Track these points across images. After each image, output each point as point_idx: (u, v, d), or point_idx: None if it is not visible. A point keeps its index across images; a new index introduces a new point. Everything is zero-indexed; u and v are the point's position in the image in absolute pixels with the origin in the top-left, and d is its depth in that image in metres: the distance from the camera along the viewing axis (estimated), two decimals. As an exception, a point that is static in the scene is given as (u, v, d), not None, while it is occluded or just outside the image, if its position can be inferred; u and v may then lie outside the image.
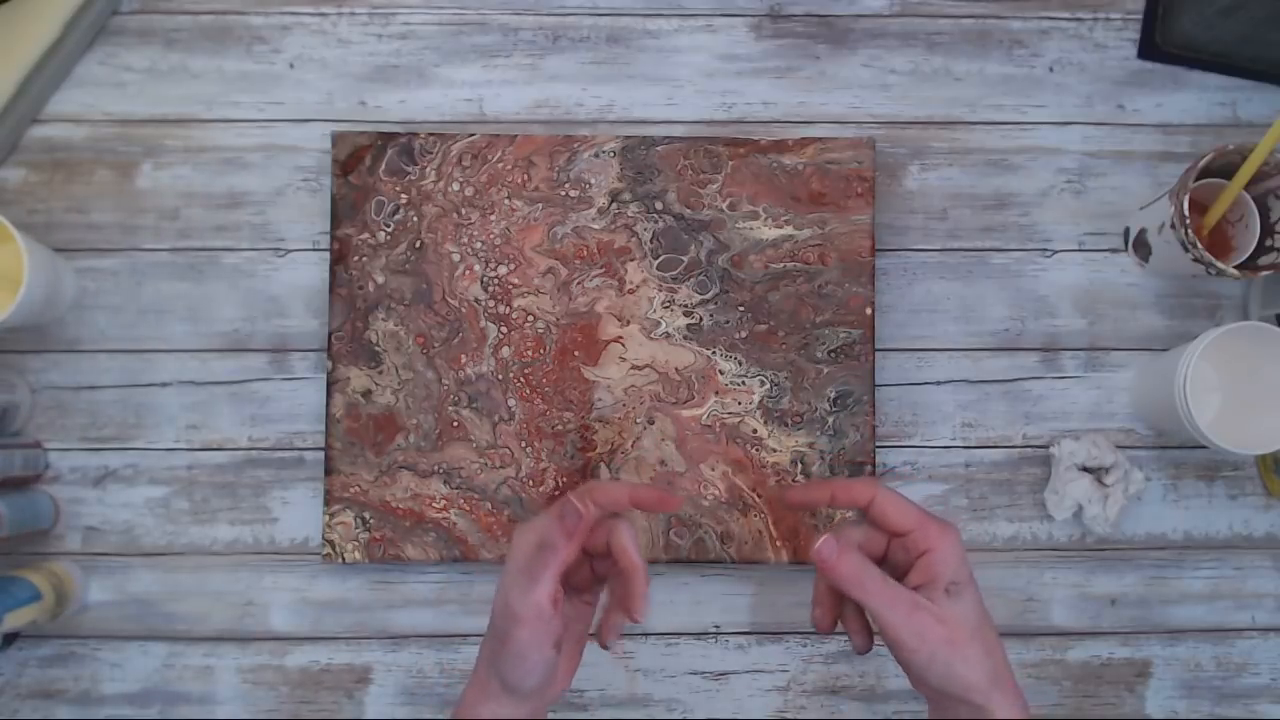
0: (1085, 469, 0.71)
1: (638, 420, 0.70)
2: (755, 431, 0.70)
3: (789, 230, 0.71)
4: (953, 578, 0.52)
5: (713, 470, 0.70)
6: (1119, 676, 0.73)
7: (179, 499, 0.71)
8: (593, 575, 0.58)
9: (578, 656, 0.58)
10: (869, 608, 0.52)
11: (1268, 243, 0.68)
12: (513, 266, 0.70)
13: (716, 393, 0.70)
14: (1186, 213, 0.64)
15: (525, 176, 0.71)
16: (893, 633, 0.51)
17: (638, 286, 0.71)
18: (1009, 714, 0.51)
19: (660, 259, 0.71)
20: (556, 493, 0.69)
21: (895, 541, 0.54)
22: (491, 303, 0.70)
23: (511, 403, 0.70)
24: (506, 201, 0.71)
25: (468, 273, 0.70)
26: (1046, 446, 0.73)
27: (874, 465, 0.70)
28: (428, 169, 0.71)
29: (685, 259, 0.71)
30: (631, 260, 0.71)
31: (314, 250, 0.72)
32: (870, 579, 0.52)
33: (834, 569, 0.52)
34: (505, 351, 0.70)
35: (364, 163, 0.70)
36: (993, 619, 0.53)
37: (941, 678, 0.51)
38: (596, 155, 0.71)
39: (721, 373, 0.70)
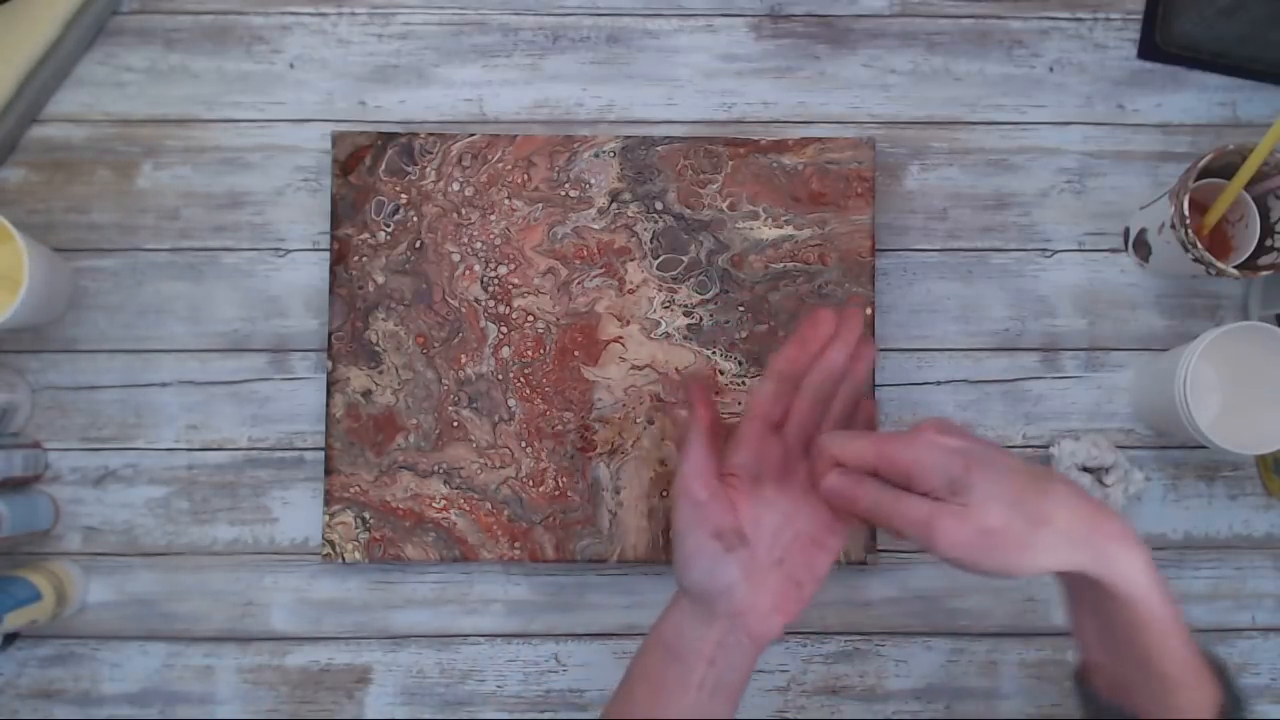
0: (1085, 469, 0.71)
1: (638, 420, 0.70)
2: (755, 431, 0.70)
3: (789, 230, 0.71)
4: (943, 485, 0.47)
5: (713, 470, 0.70)
6: (1119, 676, 0.73)
7: (179, 499, 0.71)
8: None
9: (791, 595, 0.52)
10: (892, 532, 0.48)
11: (1268, 243, 0.68)
12: (513, 266, 0.70)
13: (716, 393, 0.70)
14: (1186, 213, 0.64)
15: (525, 176, 0.71)
16: (931, 552, 0.46)
17: (638, 286, 0.71)
18: (1126, 570, 0.45)
19: (660, 259, 0.71)
20: (556, 493, 0.69)
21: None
22: (491, 303, 0.70)
23: (511, 403, 0.70)
24: (506, 201, 0.71)
25: (468, 273, 0.70)
26: (1046, 446, 0.73)
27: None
28: (428, 169, 0.71)
29: (685, 259, 0.71)
30: (631, 260, 0.71)
31: (314, 250, 0.72)
32: (882, 502, 0.47)
33: (851, 502, 0.49)
34: (505, 351, 0.70)
35: (364, 163, 0.70)
36: (1033, 471, 0.47)
37: (1013, 572, 0.45)
38: (596, 155, 0.71)
39: (721, 373, 0.70)
